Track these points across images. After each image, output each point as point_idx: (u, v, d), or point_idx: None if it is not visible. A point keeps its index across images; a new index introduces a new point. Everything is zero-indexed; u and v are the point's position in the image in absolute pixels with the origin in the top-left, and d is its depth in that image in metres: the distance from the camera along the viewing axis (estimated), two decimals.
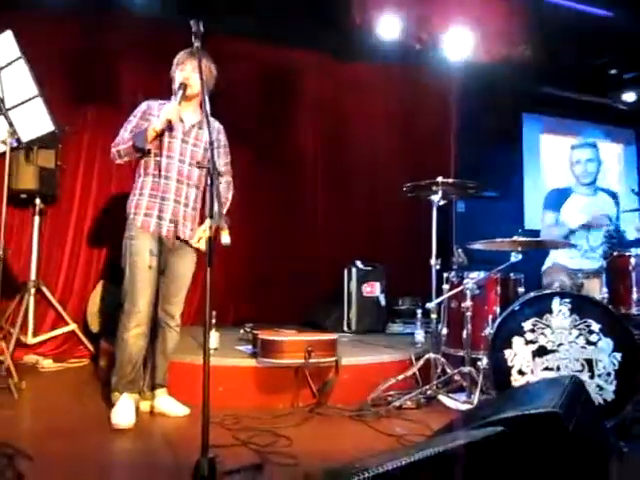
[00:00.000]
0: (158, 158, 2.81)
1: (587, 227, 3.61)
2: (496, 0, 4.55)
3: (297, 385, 3.11)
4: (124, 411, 2.66)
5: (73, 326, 4.11)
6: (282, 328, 3.46)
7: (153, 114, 2.82)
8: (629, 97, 5.88)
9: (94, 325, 4.16)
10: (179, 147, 2.83)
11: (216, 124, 2.99)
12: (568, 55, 5.26)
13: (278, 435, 2.55)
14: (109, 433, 2.57)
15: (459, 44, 4.86)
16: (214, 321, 3.28)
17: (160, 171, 2.81)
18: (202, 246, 2.74)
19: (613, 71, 5.74)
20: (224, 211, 2.70)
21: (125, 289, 2.77)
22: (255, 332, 3.34)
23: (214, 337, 3.35)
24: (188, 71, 2.79)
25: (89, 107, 4.43)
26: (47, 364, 3.93)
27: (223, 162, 2.98)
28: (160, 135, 2.77)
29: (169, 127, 2.76)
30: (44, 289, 4.04)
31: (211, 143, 2.06)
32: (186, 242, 2.87)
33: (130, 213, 2.83)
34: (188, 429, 2.65)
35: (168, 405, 2.90)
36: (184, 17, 2.19)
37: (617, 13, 4.71)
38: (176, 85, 2.81)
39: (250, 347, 3.41)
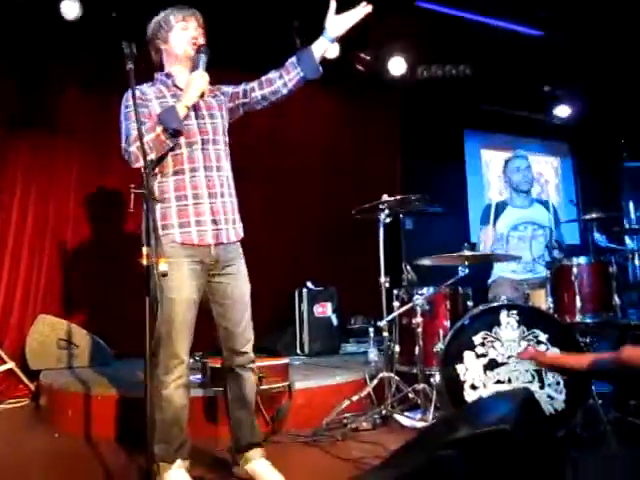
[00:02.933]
0: (177, 149, 2.23)
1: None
2: (437, 20, 4.67)
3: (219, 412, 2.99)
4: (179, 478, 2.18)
5: (11, 364, 3.88)
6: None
7: (149, 98, 2.27)
8: (563, 112, 6.12)
9: (33, 361, 3.95)
10: (196, 126, 2.27)
11: (215, 87, 2.44)
12: (505, 72, 5.45)
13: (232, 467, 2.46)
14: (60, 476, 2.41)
15: (399, 63, 4.96)
16: None
17: (182, 164, 2.23)
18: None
19: (547, 88, 5.98)
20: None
21: (160, 334, 2.16)
22: (204, 360, 3.23)
23: None
24: (193, 28, 2.31)
25: (24, 135, 4.25)
26: None
27: (240, 88, 2.42)
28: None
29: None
30: None
31: (145, 167, 1.88)
32: (233, 244, 2.31)
33: (157, 228, 2.19)
34: None
35: (261, 471, 2.32)
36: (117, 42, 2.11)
37: (548, 33, 4.92)
38: (177, 50, 2.30)
39: (199, 376, 3.30)
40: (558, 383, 2.78)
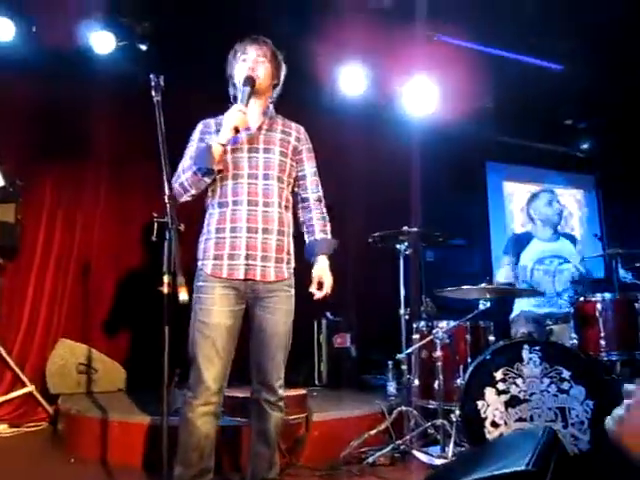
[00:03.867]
0: (224, 181, 2.22)
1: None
2: (458, 53, 4.72)
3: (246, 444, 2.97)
4: None
5: (31, 388, 3.91)
6: (247, 385, 3.35)
7: (211, 131, 2.28)
8: (586, 145, 6.10)
9: (53, 385, 3.98)
10: (247, 159, 2.23)
11: (292, 124, 2.42)
12: (527, 105, 5.46)
13: None
14: None
15: (422, 96, 5.00)
16: (176, 379, 3.15)
17: (226, 196, 2.22)
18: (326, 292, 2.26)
19: (568, 121, 5.98)
20: (325, 235, 2.39)
21: (190, 357, 2.17)
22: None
23: (178, 396, 3.21)
24: (251, 60, 2.26)
25: (53, 163, 4.37)
26: (2, 429, 3.71)
27: (309, 174, 2.43)
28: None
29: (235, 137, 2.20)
30: (0, 349, 3.86)
31: (170, 198, 1.91)
32: (277, 282, 2.24)
33: (199, 259, 2.24)
34: None
35: None
36: (146, 73, 2.17)
37: (568, 67, 4.94)
38: (237, 80, 2.27)
39: None
40: (582, 423, 2.70)
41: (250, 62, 2.26)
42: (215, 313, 2.16)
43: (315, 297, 2.29)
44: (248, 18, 4.03)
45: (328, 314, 4.62)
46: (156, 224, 1.98)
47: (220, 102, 2.34)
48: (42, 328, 4.20)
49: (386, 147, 5.53)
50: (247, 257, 2.19)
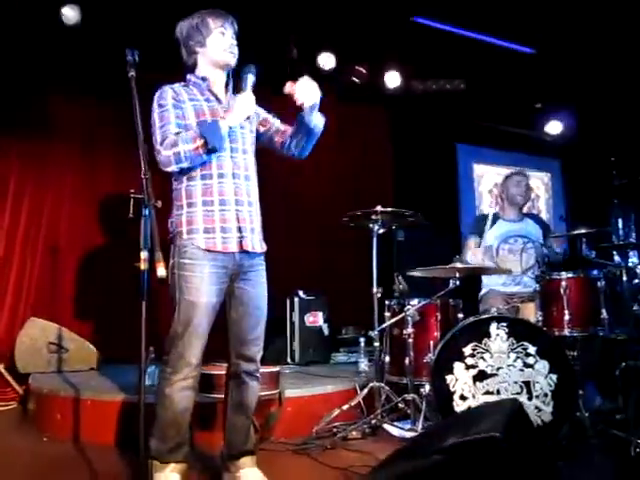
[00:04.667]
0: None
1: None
2: (430, 35, 4.75)
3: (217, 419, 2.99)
4: None
5: None
6: (222, 362, 3.37)
7: (182, 100, 2.24)
8: (554, 129, 6.21)
9: (22, 364, 3.93)
10: (226, 133, 2.23)
11: None
12: (497, 88, 5.54)
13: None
14: None
15: (393, 75, 5.02)
16: (152, 356, 3.16)
17: (211, 169, 2.22)
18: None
19: (538, 105, 6.08)
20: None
21: (173, 334, 2.16)
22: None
23: (152, 373, 3.22)
24: (231, 36, 2.32)
25: (18, 139, 4.27)
26: None
27: (279, 121, 2.50)
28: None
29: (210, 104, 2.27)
30: None
31: (144, 173, 1.88)
32: (256, 255, 2.30)
33: (181, 232, 2.19)
34: None
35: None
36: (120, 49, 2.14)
37: (540, 50, 5.01)
38: (215, 55, 2.30)
39: None
40: (546, 395, 2.81)
41: (230, 38, 2.31)
42: (203, 291, 2.16)
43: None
44: None
45: (300, 292, 4.65)
46: (132, 200, 1.97)
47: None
48: (10, 307, 4.16)
49: (357, 128, 5.56)
50: (238, 229, 2.22)
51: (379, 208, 3.37)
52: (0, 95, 4.11)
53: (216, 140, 2.11)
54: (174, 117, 2.20)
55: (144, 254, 1.78)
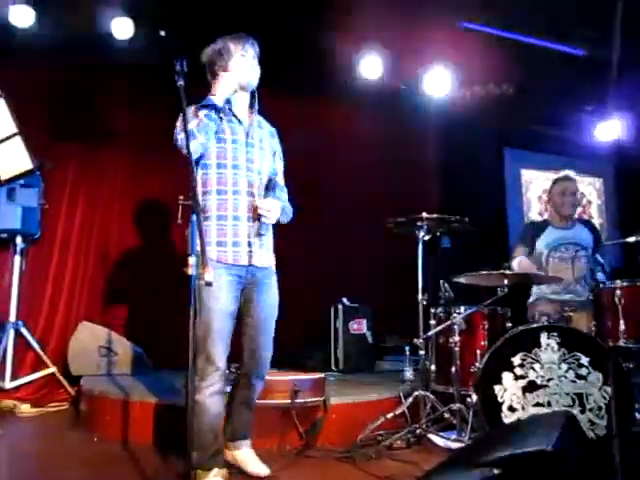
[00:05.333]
0: (222, 170, 2.37)
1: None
2: (478, 39, 4.67)
3: (284, 427, 3.02)
4: None
5: (53, 369, 3.99)
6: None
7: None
8: (606, 132, 6.00)
9: (74, 367, 4.05)
10: (244, 152, 2.42)
11: (268, 125, 2.62)
12: (548, 92, 5.41)
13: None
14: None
15: (441, 81, 4.96)
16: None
17: (226, 185, 2.37)
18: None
19: (589, 107, 5.90)
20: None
21: (197, 342, 2.26)
22: (239, 372, 3.25)
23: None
24: (252, 57, 2.49)
25: (74, 147, 4.42)
26: (25, 409, 3.80)
27: (280, 172, 2.63)
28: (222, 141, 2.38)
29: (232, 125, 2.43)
30: (23, 330, 3.94)
31: (193, 181, 1.96)
32: (266, 268, 2.47)
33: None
34: None
35: (248, 458, 2.53)
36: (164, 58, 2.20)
37: (591, 52, 4.87)
38: (238, 77, 2.43)
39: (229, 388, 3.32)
40: (600, 408, 2.71)
41: (251, 59, 2.47)
42: (223, 299, 2.31)
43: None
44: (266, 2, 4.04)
45: (344, 300, 4.64)
46: (180, 207, 2.04)
47: None
48: (63, 311, 4.29)
49: (404, 132, 5.52)
50: (249, 244, 2.38)
51: (424, 214, 3.33)
52: (55, 103, 4.27)
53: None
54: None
55: (192, 259, 1.81)
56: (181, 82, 2.13)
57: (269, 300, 2.49)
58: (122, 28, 4.10)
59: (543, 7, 4.27)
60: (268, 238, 2.51)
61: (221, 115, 2.39)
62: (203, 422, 2.28)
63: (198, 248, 1.87)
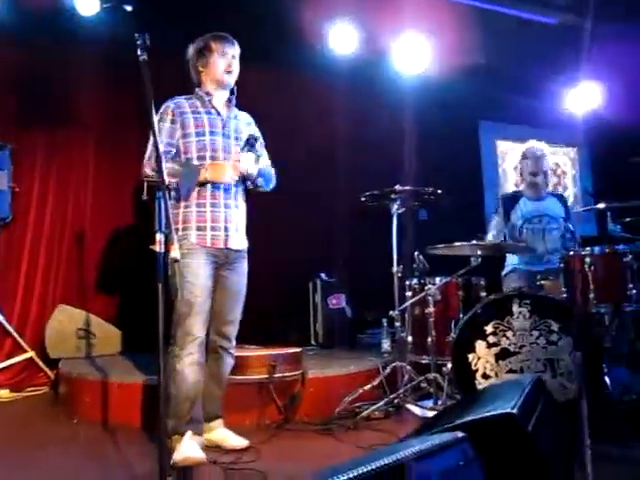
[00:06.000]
0: (202, 161, 2.55)
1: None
2: (450, 9, 4.64)
3: (262, 401, 3.04)
4: (190, 447, 2.34)
5: (31, 353, 3.97)
6: (245, 344, 3.41)
7: (185, 111, 2.59)
8: (580, 102, 6.03)
9: (52, 350, 4.03)
10: (222, 143, 2.60)
11: (245, 115, 2.81)
12: (521, 62, 5.40)
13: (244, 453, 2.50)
14: (79, 461, 2.47)
15: (414, 52, 4.93)
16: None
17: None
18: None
19: (563, 77, 5.91)
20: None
21: (178, 315, 2.44)
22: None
23: None
24: (231, 57, 2.65)
25: (41, 128, 4.33)
26: (4, 394, 3.78)
27: (264, 156, 2.80)
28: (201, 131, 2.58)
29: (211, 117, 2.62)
30: None
31: (158, 156, 1.92)
32: (240, 250, 2.65)
33: (178, 229, 2.50)
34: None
35: (224, 435, 2.64)
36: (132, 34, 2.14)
37: (561, 21, 4.87)
38: (216, 75, 2.64)
39: None
40: (570, 372, 2.77)
41: (230, 59, 2.64)
42: (202, 276, 2.49)
43: None
44: None
45: (322, 275, 4.65)
46: (146, 183, 2.06)
47: None
48: (39, 295, 4.23)
49: (378, 106, 5.48)
50: (226, 229, 2.56)
51: (397, 187, 3.33)
52: (23, 84, 4.16)
53: (186, 186, 2.47)
54: (167, 136, 2.56)
55: (159, 236, 1.80)
56: (144, 57, 2.07)
57: (238, 278, 2.66)
58: (86, 3, 3.97)
59: None
60: (243, 223, 2.67)
61: (200, 109, 2.61)
62: (181, 390, 2.41)
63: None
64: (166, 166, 2.26)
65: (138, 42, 2.06)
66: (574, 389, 2.75)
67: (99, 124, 4.53)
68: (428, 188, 3.44)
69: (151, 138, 2.29)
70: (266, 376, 3.00)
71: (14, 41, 4.05)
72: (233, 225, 2.59)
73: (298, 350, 3.23)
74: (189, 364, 2.43)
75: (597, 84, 5.84)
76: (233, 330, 2.67)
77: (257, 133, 2.76)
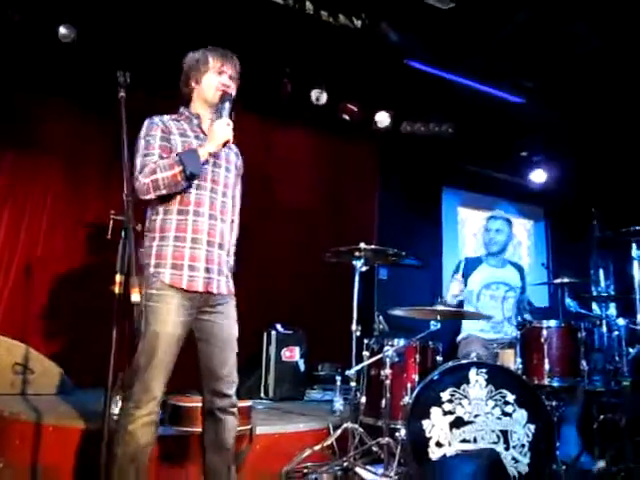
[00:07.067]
0: (187, 190, 2.20)
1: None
2: (420, 78, 4.82)
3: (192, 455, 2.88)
4: None
5: None
6: (193, 394, 3.27)
7: (172, 132, 2.25)
8: (538, 177, 6.30)
9: None
10: (210, 173, 2.26)
11: (234, 146, 2.47)
12: (485, 135, 5.63)
13: None
14: None
15: (384, 117, 5.08)
16: (120, 383, 3.04)
17: (188, 205, 2.21)
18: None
19: (524, 153, 6.19)
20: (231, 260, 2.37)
21: (136, 366, 2.10)
22: (166, 397, 3.12)
23: (119, 400, 3.10)
24: (228, 77, 2.33)
25: (3, 152, 4.21)
26: None
27: (239, 198, 2.49)
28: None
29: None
30: None
31: (128, 196, 1.85)
32: (226, 296, 2.30)
33: (149, 265, 2.17)
34: None
35: None
36: (111, 69, 2.13)
37: (528, 100, 5.12)
38: (207, 94, 2.31)
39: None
40: (523, 446, 2.75)
41: (227, 79, 2.32)
42: (170, 323, 2.12)
43: None
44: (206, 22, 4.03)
45: (278, 326, 4.57)
46: (112, 222, 1.93)
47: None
48: None
49: (347, 167, 5.60)
50: (207, 270, 2.21)
51: (362, 245, 3.34)
52: None
53: (195, 166, 2.12)
54: (159, 149, 2.20)
55: (119, 277, 1.73)
56: (122, 94, 2.05)
57: (227, 324, 2.29)
58: (64, 34, 3.96)
59: (487, 53, 4.46)
60: (228, 265, 2.35)
61: (188, 133, 2.29)
62: (127, 452, 2.06)
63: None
64: (159, 166, 2.11)
65: (119, 79, 2.03)
66: (526, 463, 2.73)
67: (64, 155, 4.45)
68: (391, 250, 3.45)
69: (136, 158, 2.11)
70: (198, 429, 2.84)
71: None
72: (214, 267, 2.24)
73: (248, 404, 3.11)
74: (143, 425, 2.07)
75: (556, 161, 6.12)
76: (230, 385, 2.26)
77: (241, 169, 2.51)
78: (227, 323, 2.28)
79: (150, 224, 2.25)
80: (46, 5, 3.94)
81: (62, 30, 3.98)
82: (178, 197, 2.21)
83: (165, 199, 2.20)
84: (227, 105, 2.24)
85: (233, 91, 2.34)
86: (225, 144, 2.21)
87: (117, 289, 1.73)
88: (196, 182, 2.21)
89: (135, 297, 1.70)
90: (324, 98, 4.93)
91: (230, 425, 2.26)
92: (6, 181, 4.24)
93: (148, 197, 2.15)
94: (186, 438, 2.88)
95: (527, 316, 3.41)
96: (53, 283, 4.30)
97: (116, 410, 3.03)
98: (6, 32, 3.88)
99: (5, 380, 3.82)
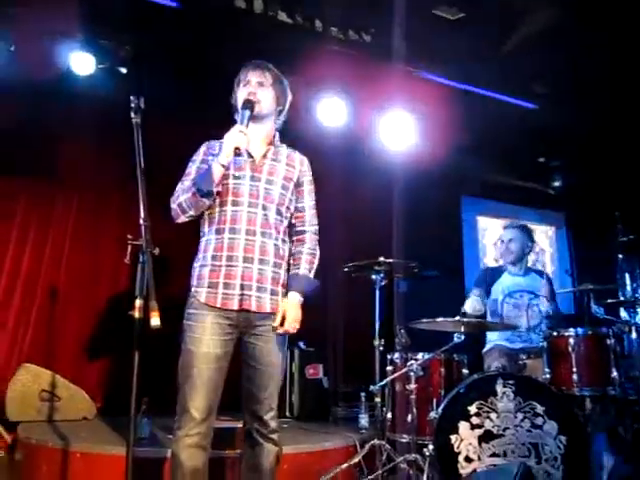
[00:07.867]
0: (223, 207, 2.19)
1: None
2: (437, 91, 4.81)
3: (233, 478, 2.88)
4: None
5: None
6: (220, 415, 3.25)
7: (215, 153, 2.23)
8: (558, 183, 6.23)
9: (12, 412, 3.81)
10: (248, 187, 2.20)
11: (296, 155, 2.38)
12: (503, 143, 5.59)
13: None
14: None
15: (400, 130, 5.07)
16: (144, 407, 3.06)
17: (225, 223, 2.18)
18: (287, 328, 2.14)
19: (542, 159, 6.12)
20: (308, 272, 2.29)
21: (178, 385, 2.11)
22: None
23: (144, 425, 3.11)
24: (253, 85, 2.27)
25: (24, 181, 4.29)
26: None
27: (308, 207, 2.37)
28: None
29: (237, 158, 2.18)
30: None
31: (144, 219, 1.87)
32: (270, 314, 2.18)
33: (192, 285, 2.19)
34: None
35: None
36: (126, 95, 2.15)
37: (542, 107, 5.07)
38: (237, 106, 2.26)
39: None
40: (555, 459, 2.68)
41: (251, 87, 2.27)
42: (205, 342, 2.10)
43: (276, 331, 2.17)
44: (228, 43, 4.07)
45: (301, 344, 4.55)
46: (130, 247, 1.94)
47: (198, 125, 2.35)
48: (4, 351, 4.06)
49: (364, 179, 5.58)
50: (242, 287, 2.15)
51: (381, 259, 3.32)
52: (9, 137, 4.15)
53: (205, 183, 2.11)
54: (195, 173, 2.24)
55: (139, 302, 1.73)
56: (137, 119, 2.07)
57: (269, 347, 2.18)
58: (82, 63, 4.04)
59: (500, 62, 4.44)
60: (274, 281, 2.22)
61: None
62: (176, 476, 2.04)
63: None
64: (182, 189, 2.16)
65: (132, 104, 2.06)
66: (559, 476, 2.66)
67: (84, 182, 4.52)
68: (410, 262, 3.43)
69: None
70: (238, 451, 2.84)
71: (7, 95, 4.06)
72: (253, 283, 2.16)
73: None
74: (186, 446, 2.03)
75: (576, 165, 6.04)
76: (267, 410, 2.17)
77: (306, 178, 2.39)
78: (268, 348, 2.18)
79: (199, 245, 2.26)
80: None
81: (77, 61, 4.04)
82: (216, 216, 2.20)
83: (206, 220, 2.24)
84: (246, 112, 2.18)
85: (264, 97, 2.27)
86: (237, 152, 2.11)
87: (137, 313, 1.73)
88: (231, 199, 2.19)
89: (155, 321, 1.70)
90: (340, 115, 4.93)
91: (269, 453, 2.20)
92: (29, 209, 4.31)
93: (180, 220, 2.20)
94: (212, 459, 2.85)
95: (554, 324, 3.33)
96: (78, 309, 4.35)
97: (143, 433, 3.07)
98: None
99: (32, 407, 3.86)
